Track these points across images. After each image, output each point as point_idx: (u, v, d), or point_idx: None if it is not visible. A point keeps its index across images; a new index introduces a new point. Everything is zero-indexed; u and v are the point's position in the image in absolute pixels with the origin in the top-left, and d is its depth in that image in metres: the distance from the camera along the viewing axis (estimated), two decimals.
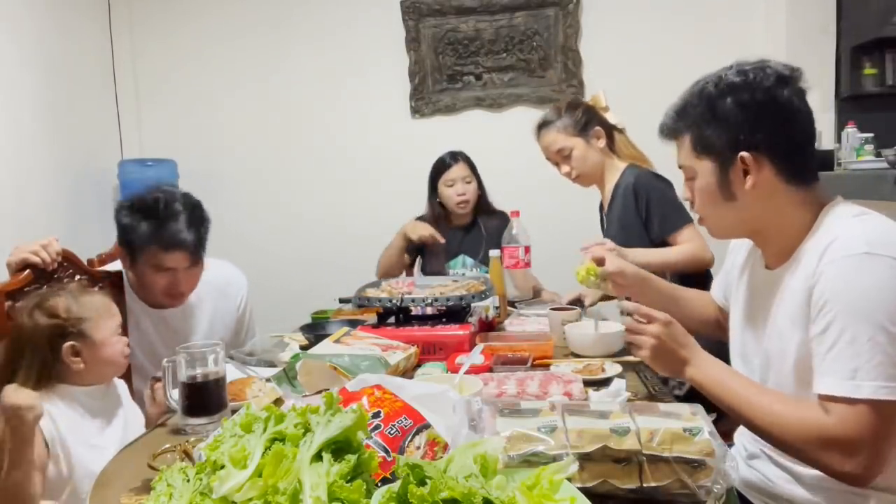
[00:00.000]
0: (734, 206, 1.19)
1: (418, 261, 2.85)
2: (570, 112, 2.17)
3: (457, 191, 2.73)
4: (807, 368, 1.11)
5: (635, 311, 1.28)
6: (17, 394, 1.29)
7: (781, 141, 1.14)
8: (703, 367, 1.19)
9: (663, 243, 2.03)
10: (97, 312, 1.48)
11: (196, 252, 1.79)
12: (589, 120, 2.16)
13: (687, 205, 1.32)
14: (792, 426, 1.07)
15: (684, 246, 1.98)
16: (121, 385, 1.58)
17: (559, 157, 2.18)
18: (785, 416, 1.09)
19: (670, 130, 1.25)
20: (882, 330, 1.01)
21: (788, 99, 1.13)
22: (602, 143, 2.15)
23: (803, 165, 1.16)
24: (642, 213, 2.04)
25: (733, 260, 1.42)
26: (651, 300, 1.47)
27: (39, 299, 1.45)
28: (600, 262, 1.54)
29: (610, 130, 2.18)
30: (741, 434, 1.36)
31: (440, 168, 2.78)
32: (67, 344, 1.42)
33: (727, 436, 1.56)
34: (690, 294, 1.57)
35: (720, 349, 1.60)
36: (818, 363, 1.07)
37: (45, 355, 1.41)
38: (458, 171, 2.74)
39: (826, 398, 1.05)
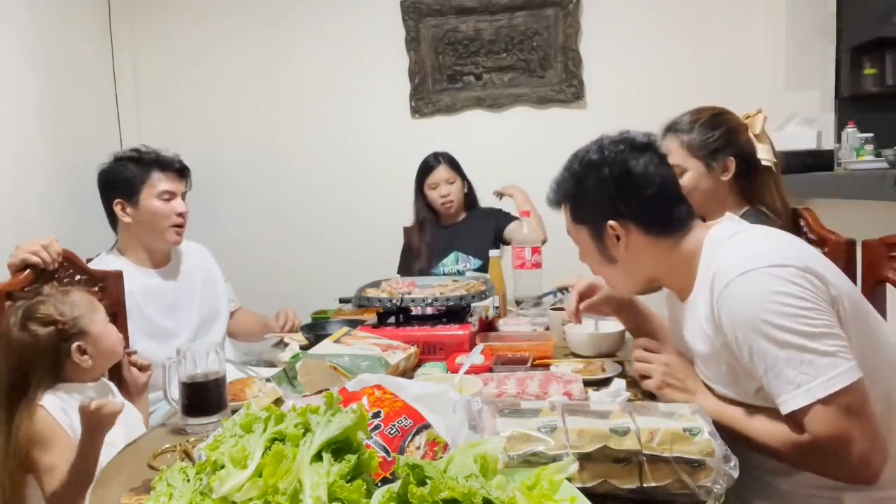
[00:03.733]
0: (618, 267, 1.30)
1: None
2: (705, 127, 1.73)
3: (440, 193, 2.77)
4: (743, 390, 1.16)
5: (644, 344, 1.35)
6: (106, 406, 1.30)
7: (641, 205, 1.25)
8: (706, 400, 1.21)
9: None
10: (86, 308, 1.50)
11: (187, 179, 2.11)
12: (724, 145, 1.70)
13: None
14: (785, 445, 1.09)
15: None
16: (110, 382, 1.59)
17: None
18: (777, 437, 1.10)
19: (552, 202, 1.37)
20: (790, 332, 1.05)
21: (643, 166, 1.24)
22: (725, 176, 1.69)
23: (667, 219, 1.26)
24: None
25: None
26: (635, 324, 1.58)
27: (27, 311, 1.45)
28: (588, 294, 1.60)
29: (750, 165, 1.71)
30: None
31: (423, 171, 2.82)
32: (74, 345, 1.44)
33: None
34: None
35: None
36: (767, 389, 1.09)
37: (51, 363, 1.43)
38: (440, 173, 2.78)
39: (792, 415, 1.07)
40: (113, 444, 1.35)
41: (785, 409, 1.07)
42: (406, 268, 2.84)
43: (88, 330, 1.47)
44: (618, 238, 1.26)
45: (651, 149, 1.27)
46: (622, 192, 1.25)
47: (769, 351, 1.06)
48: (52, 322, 1.43)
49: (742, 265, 1.10)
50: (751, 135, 1.74)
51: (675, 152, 1.76)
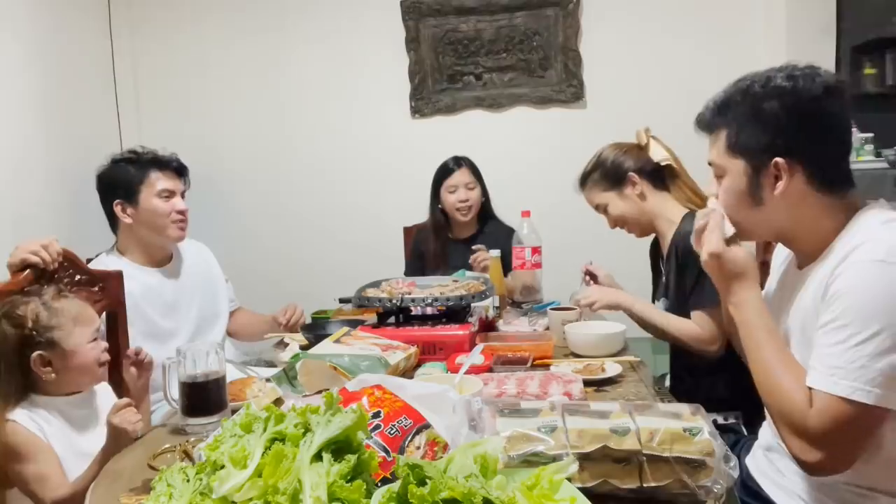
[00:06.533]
0: (761, 210, 1.18)
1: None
2: (598, 166, 1.96)
3: (458, 197, 2.70)
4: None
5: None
6: (123, 415, 1.29)
7: (818, 151, 1.13)
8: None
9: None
10: (69, 319, 1.44)
11: (185, 177, 2.11)
12: (618, 168, 1.91)
13: (712, 200, 1.29)
14: (780, 402, 1.10)
15: (694, 327, 1.74)
16: (102, 389, 1.56)
17: (601, 213, 2.00)
18: (781, 388, 1.11)
19: (707, 123, 1.23)
20: (876, 336, 1.02)
21: (832, 111, 1.13)
22: (638, 189, 1.89)
23: (836, 175, 1.16)
24: (693, 278, 1.73)
25: (775, 262, 1.41)
26: None
27: (8, 307, 1.41)
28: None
29: (654, 171, 1.90)
30: (765, 427, 1.37)
31: (443, 173, 2.75)
32: (35, 354, 1.39)
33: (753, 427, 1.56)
34: None
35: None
36: (812, 354, 1.09)
37: (15, 368, 1.39)
38: (460, 176, 2.71)
39: (811, 388, 1.07)
40: (92, 454, 1.34)
41: (809, 381, 1.08)
42: (413, 274, 2.80)
43: (60, 342, 1.41)
44: (776, 179, 1.14)
45: (842, 93, 1.14)
46: (804, 130, 1.12)
47: (843, 333, 1.04)
48: (21, 325, 1.39)
49: (886, 253, 1.04)
50: (641, 147, 1.92)
51: (592, 197, 1.99)
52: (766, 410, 1.19)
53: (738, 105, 1.17)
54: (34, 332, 1.39)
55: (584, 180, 2.00)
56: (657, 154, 1.91)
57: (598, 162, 1.96)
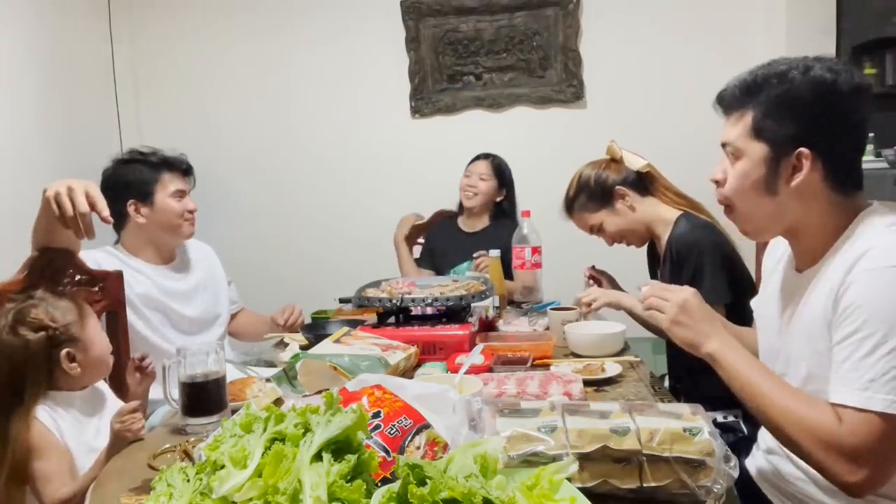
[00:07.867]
0: (772, 201, 1.15)
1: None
2: (581, 189, 1.98)
3: (469, 182, 2.76)
4: (817, 379, 1.10)
5: (664, 285, 1.27)
6: (125, 422, 1.29)
7: (841, 148, 1.12)
8: (723, 346, 1.16)
9: None
10: (76, 314, 1.46)
11: (191, 177, 2.17)
12: (603, 185, 1.94)
13: (713, 186, 1.25)
14: (804, 426, 1.05)
15: None
16: (104, 387, 1.57)
17: (596, 234, 2.03)
18: (799, 415, 1.06)
19: (733, 101, 1.18)
20: None
21: (863, 110, 1.13)
22: (628, 201, 1.93)
23: (850, 174, 1.15)
24: (688, 279, 1.73)
25: (768, 262, 1.38)
26: None
27: (17, 315, 1.41)
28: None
29: (636, 180, 1.94)
30: (764, 429, 1.35)
31: (471, 161, 2.82)
32: (64, 351, 1.41)
33: (753, 424, 1.55)
34: (742, 331, 1.48)
35: None
36: (835, 370, 1.05)
37: (43, 370, 1.40)
38: (478, 166, 2.78)
39: (839, 406, 1.03)
40: (98, 449, 1.35)
41: (837, 398, 1.03)
42: (425, 255, 2.86)
43: (79, 336, 1.43)
44: (794, 170, 1.11)
45: (870, 95, 1.14)
46: (835, 125, 1.10)
47: (869, 344, 1.00)
48: (44, 327, 1.40)
49: None
50: (616, 160, 1.96)
51: (584, 221, 2.01)
52: (780, 443, 1.14)
53: (771, 88, 1.13)
54: (57, 331, 1.41)
55: (571, 206, 2.01)
56: (635, 163, 1.93)
57: (581, 184, 1.98)
